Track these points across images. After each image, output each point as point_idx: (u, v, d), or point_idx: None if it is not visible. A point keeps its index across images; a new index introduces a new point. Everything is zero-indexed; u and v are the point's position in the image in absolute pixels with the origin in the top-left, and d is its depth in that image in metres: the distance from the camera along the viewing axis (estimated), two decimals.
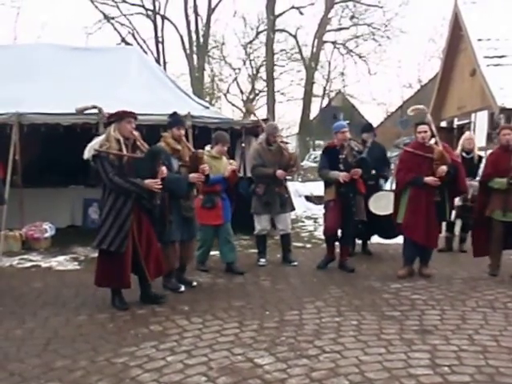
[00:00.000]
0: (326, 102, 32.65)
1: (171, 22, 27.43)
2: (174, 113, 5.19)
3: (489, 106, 12.53)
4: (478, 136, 13.46)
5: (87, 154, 4.48)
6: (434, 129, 5.78)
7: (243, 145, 7.65)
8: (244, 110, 9.12)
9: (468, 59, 14.23)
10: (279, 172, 6.02)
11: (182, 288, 5.14)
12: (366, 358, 3.54)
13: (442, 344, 3.79)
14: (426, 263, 5.77)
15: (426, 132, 5.57)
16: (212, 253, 6.15)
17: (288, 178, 6.97)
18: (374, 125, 32.14)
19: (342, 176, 5.68)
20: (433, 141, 5.61)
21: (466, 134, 7.13)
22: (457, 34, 15.32)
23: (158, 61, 26.04)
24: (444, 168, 5.40)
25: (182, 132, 5.10)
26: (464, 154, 6.71)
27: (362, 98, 33.02)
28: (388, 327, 4.13)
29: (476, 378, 3.25)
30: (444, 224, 6.76)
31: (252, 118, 7.65)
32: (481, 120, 13.49)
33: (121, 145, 4.43)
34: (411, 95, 30.40)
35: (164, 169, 4.52)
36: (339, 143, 5.87)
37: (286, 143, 6.63)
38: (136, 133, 4.54)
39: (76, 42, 27.74)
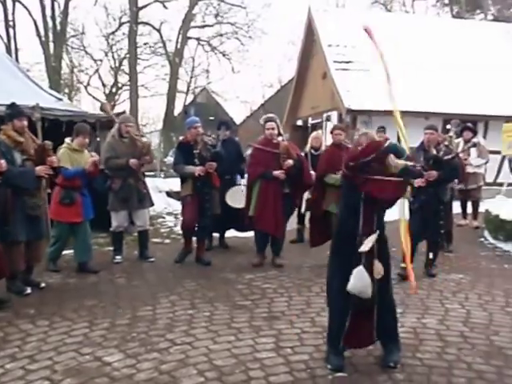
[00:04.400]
0: (190, 98, 32.71)
1: (23, 5, 25.41)
2: (13, 103, 4.85)
3: (338, 107, 13.57)
4: (329, 135, 14.52)
5: None
6: (280, 127, 6.19)
7: (98, 139, 7.39)
8: (101, 106, 8.67)
9: (320, 63, 15.24)
10: (132, 161, 5.93)
11: (28, 290, 4.84)
12: (215, 347, 3.67)
13: (286, 328, 4.07)
14: (278, 254, 6.11)
15: (273, 129, 5.92)
16: (64, 252, 5.87)
17: (151, 174, 6.89)
18: (238, 122, 32.71)
19: (197, 170, 5.81)
20: (280, 138, 5.97)
21: (314, 133, 7.69)
22: (310, 39, 16.32)
23: (8, 47, 23.98)
24: (290, 161, 5.78)
25: (25, 123, 4.79)
26: (312, 151, 7.21)
27: (226, 96, 33.53)
28: (239, 316, 4.32)
29: (314, 356, 3.56)
30: (295, 216, 7.23)
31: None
32: (332, 120, 14.54)
33: None
34: (272, 94, 31.70)
35: (3, 162, 4.22)
36: (192, 138, 5.99)
37: (141, 136, 6.55)
38: None
39: None
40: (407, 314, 4.39)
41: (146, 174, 10.94)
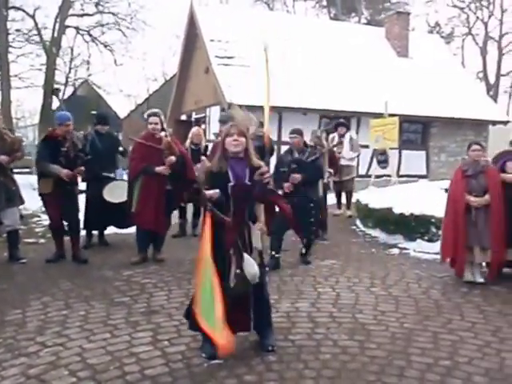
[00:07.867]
0: (70, 90, 31.02)
1: None
2: None
3: (220, 101, 13.69)
4: (212, 129, 14.62)
5: None
6: (164, 123, 6.13)
7: None
8: None
9: (202, 57, 15.23)
10: (2, 157, 5.59)
11: None
12: (89, 346, 3.58)
13: (165, 321, 4.07)
14: (159, 249, 6.07)
15: (156, 124, 5.84)
16: None
17: (25, 170, 6.48)
18: (122, 116, 31.58)
19: (64, 175, 5.60)
20: (163, 133, 5.91)
21: (194, 129, 7.76)
22: (193, 33, 16.25)
23: None
24: (172, 158, 5.74)
25: None
26: (192, 146, 7.29)
27: (109, 89, 32.15)
28: (116, 313, 4.24)
29: (191, 346, 3.61)
30: (177, 210, 7.22)
31: None
32: (214, 114, 14.61)
33: None
34: (157, 88, 31.12)
35: None
36: (61, 135, 5.72)
37: (10, 130, 6.15)
38: None
39: None
40: (282, 300, 4.60)
41: (21, 170, 10.29)
